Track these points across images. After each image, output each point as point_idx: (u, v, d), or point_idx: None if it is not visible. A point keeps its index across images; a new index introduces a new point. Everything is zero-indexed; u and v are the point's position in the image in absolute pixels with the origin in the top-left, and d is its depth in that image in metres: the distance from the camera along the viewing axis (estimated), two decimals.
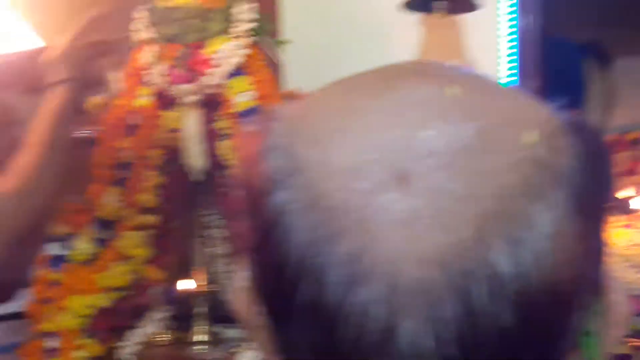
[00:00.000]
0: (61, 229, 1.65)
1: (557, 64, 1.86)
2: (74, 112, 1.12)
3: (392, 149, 0.32)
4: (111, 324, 1.67)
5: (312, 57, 1.68)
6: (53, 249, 1.65)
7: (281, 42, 1.44)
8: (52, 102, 1.12)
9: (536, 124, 0.33)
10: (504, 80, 1.72)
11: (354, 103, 0.35)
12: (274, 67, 1.51)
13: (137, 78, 1.50)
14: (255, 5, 1.43)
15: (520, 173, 0.31)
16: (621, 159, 3.21)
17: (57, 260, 1.65)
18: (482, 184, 0.31)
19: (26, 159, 1.09)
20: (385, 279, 0.30)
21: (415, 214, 0.31)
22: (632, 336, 2.61)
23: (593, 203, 0.34)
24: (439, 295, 0.30)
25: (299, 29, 1.61)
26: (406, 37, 1.54)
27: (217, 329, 1.73)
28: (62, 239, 1.65)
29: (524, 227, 0.31)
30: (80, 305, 1.65)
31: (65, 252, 1.64)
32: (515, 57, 1.70)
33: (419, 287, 0.30)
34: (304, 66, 1.64)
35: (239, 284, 0.40)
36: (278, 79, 1.56)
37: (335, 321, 0.31)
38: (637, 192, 3.06)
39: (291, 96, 1.50)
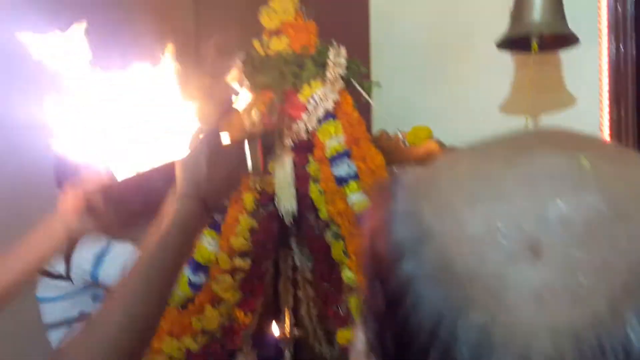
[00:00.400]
0: None
1: None
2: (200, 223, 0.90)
3: (525, 218, 0.32)
4: None
5: (401, 99, 1.69)
6: None
7: (372, 85, 1.46)
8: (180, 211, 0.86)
9: None
10: (604, 114, 1.67)
11: (485, 171, 0.35)
12: (364, 109, 1.54)
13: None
14: (345, 50, 1.46)
15: None
16: None
17: None
18: (616, 256, 0.31)
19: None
20: (517, 351, 0.30)
21: (548, 286, 0.30)
22: None
23: None
24: None
25: (389, 71, 1.62)
26: (502, 76, 1.53)
27: None
28: None
29: None
30: (174, 348, 1.68)
31: None
32: (613, 90, 1.66)
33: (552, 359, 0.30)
34: (394, 108, 1.66)
35: (358, 347, 0.40)
36: (368, 121, 1.59)
37: None
38: None
39: (381, 139, 1.51)
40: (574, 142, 0.36)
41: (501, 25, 1.56)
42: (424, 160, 1.42)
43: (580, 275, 0.30)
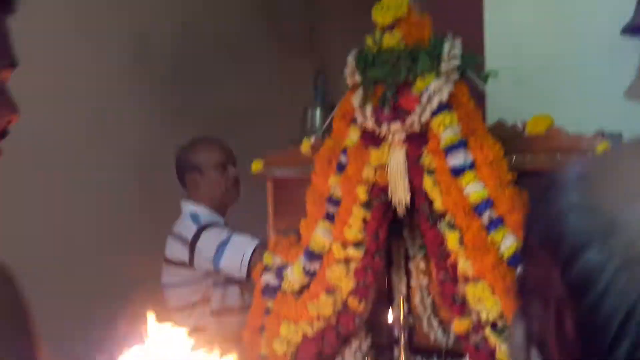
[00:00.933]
0: (275, 260, 1.77)
1: None
2: None
3: None
4: (317, 351, 1.75)
5: (516, 88, 1.66)
6: (267, 279, 1.78)
7: (487, 76, 1.44)
8: None
9: None
10: None
11: None
12: (479, 99, 1.52)
13: (347, 119, 1.59)
14: (459, 41, 1.45)
15: None
16: None
17: (271, 289, 1.77)
18: None
19: None
20: None
21: None
22: None
23: None
24: None
25: (504, 60, 1.59)
26: (625, 63, 1.47)
27: (417, 358, 1.75)
28: (277, 269, 1.76)
29: None
30: (291, 331, 1.75)
31: (279, 282, 1.75)
32: None
33: None
34: (511, 97, 1.63)
35: (516, 341, 0.40)
36: (483, 111, 1.57)
37: None
38: None
39: (499, 128, 1.49)
40: None
41: (626, 10, 1.49)
42: (546, 148, 1.39)
43: None
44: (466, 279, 1.46)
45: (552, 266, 0.35)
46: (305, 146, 1.73)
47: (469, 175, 1.43)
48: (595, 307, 0.33)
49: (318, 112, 2.73)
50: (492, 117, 1.63)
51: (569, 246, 0.34)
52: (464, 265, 1.46)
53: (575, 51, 1.68)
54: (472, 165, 1.43)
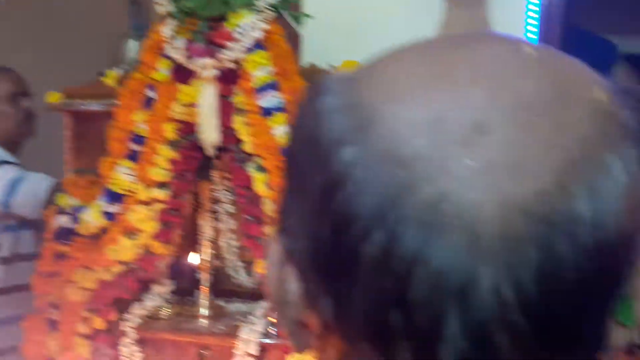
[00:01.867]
0: (71, 201, 1.64)
1: (581, 57, 1.88)
2: None
3: (474, 102, 0.32)
4: (114, 297, 1.66)
5: (331, 31, 1.67)
6: (61, 222, 1.64)
7: (302, 17, 1.43)
8: None
9: (599, 82, 0.35)
10: None
11: (431, 58, 0.35)
12: (293, 41, 1.51)
13: (157, 51, 1.49)
14: None
15: (596, 124, 0.32)
16: None
17: (65, 233, 1.64)
18: (562, 134, 0.31)
19: None
20: (466, 228, 0.30)
21: (497, 163, 0.30)
22: None
23: None
24: (521, 241, 0.30)
25: (320, 3, 1.59)
26: (430, 11, 1.54)
27: (220, 302, 1.75)
28: (72, 211, 1.64)
29: (603, 175, 0.31)
30: (85, 278, 1.65)
31: (74, 225, 1.63)
32: (535, 38, 1.71)
33: (501, 234, 0.30)
34: (324, 40, 1.64)
35: (273, 259, 0.39)
36: (297, 53, 1.56)
37: (410, 273, 0.31)
38: None
39: (311, 71, 1.50)
40: (511, 38, 0.37)
41: None
42: None
43: (528, 151, 0.31)
44: (272, 222, 1.48)
45: (312, 172, 0.34)
46: (110, 78, 1.61)
47: (278, 117, 1.43)
48: (348, 202, 0.32)
49: (132, 44, 2.56)
50: (305, 61, 1.64)
51: (325, 145, 0.33)
52: (270, 208, 1.46)
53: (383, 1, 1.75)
54: (282, 108, 1.43)
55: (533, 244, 0.30)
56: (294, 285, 0.37)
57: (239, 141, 1.49)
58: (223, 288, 1.79)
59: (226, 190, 1.71)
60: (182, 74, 1.48)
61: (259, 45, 1.42)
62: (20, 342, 1.70)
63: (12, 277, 1.94)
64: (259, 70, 1.42)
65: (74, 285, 1.67)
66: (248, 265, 1.75)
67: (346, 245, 0.32)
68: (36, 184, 1.87)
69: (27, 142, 2.09)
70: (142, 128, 1.52)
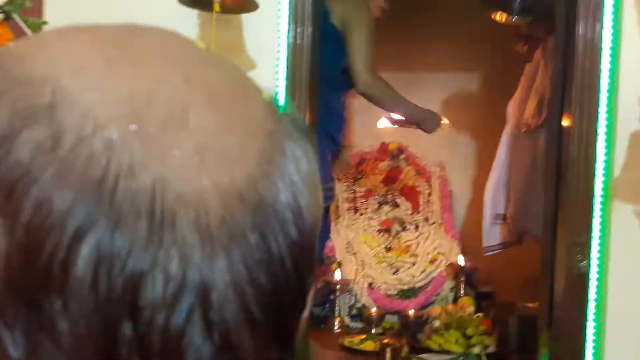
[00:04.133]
0: None
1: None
2: None
3: (170, 86, 0.31)
4: None
5: None
6: None
7: (36, 23, 1.30)
8: None
9: (260, 90, 0.35)
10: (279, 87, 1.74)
11: (108, 41, 0.33)
12: None
13: None
14: None
15: (275, 120, 0.33)
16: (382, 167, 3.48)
17: None
18: (253, 125, 0.32)
19: None
20: (192, 216, 0.29)
21: (203, 150, 0.30)
22: (384, 334, 2.83)
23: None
24: (243, 229, 0.30)
25: (62, 12, 1.47)
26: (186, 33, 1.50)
27: None
28: None
29: (293, 166, 0.32)
30: None
31: None
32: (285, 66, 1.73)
33: (224, 222, 0.30)
34: None
35: None
36: None
37: (141, 280, 0.29)
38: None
39: None
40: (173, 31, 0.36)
41: None
42: None
43: (229, 139, 0.31)
44: None
45: None
46: None
47: None
48: (40, 204, 0.28)
49: None
50: None
51: None
52: None
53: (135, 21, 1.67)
54: None
55: (255, 231, 0.30)
56: None
57: None
58: None
59: None
60: None
61: None
62: None
63: None
64: None
65: None
66: None
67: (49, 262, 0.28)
68: None
69: None
70: None
